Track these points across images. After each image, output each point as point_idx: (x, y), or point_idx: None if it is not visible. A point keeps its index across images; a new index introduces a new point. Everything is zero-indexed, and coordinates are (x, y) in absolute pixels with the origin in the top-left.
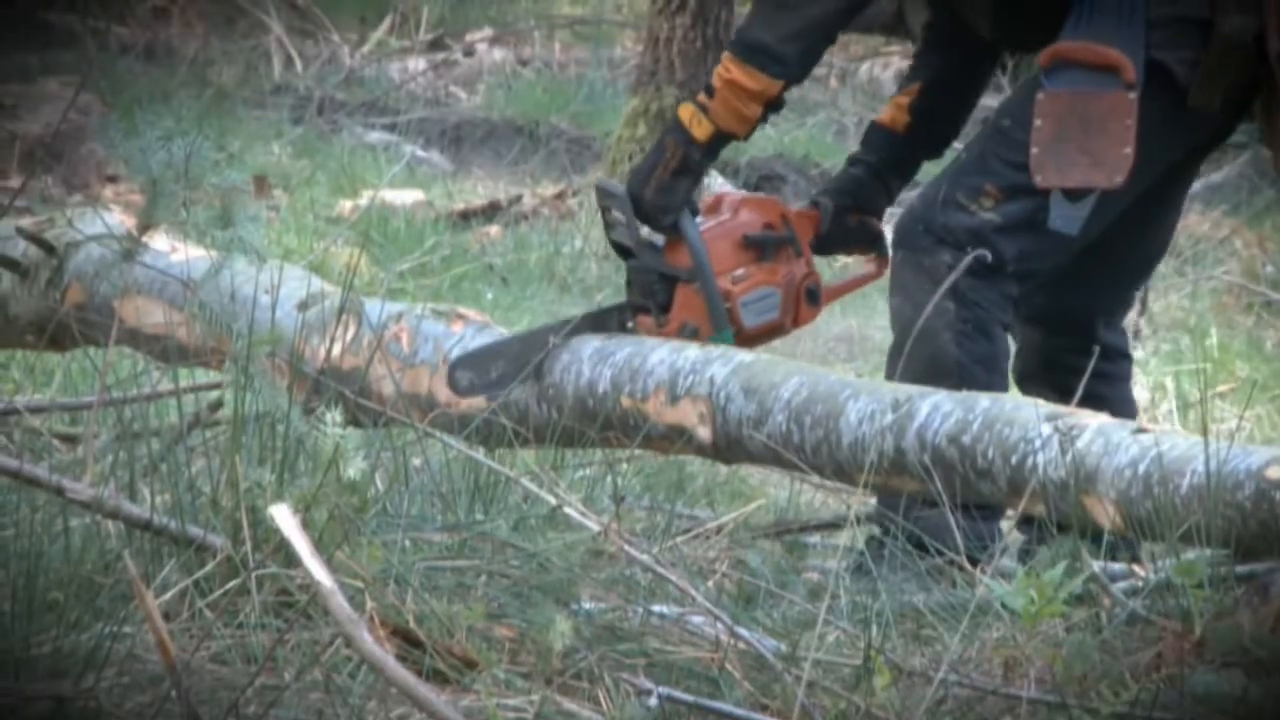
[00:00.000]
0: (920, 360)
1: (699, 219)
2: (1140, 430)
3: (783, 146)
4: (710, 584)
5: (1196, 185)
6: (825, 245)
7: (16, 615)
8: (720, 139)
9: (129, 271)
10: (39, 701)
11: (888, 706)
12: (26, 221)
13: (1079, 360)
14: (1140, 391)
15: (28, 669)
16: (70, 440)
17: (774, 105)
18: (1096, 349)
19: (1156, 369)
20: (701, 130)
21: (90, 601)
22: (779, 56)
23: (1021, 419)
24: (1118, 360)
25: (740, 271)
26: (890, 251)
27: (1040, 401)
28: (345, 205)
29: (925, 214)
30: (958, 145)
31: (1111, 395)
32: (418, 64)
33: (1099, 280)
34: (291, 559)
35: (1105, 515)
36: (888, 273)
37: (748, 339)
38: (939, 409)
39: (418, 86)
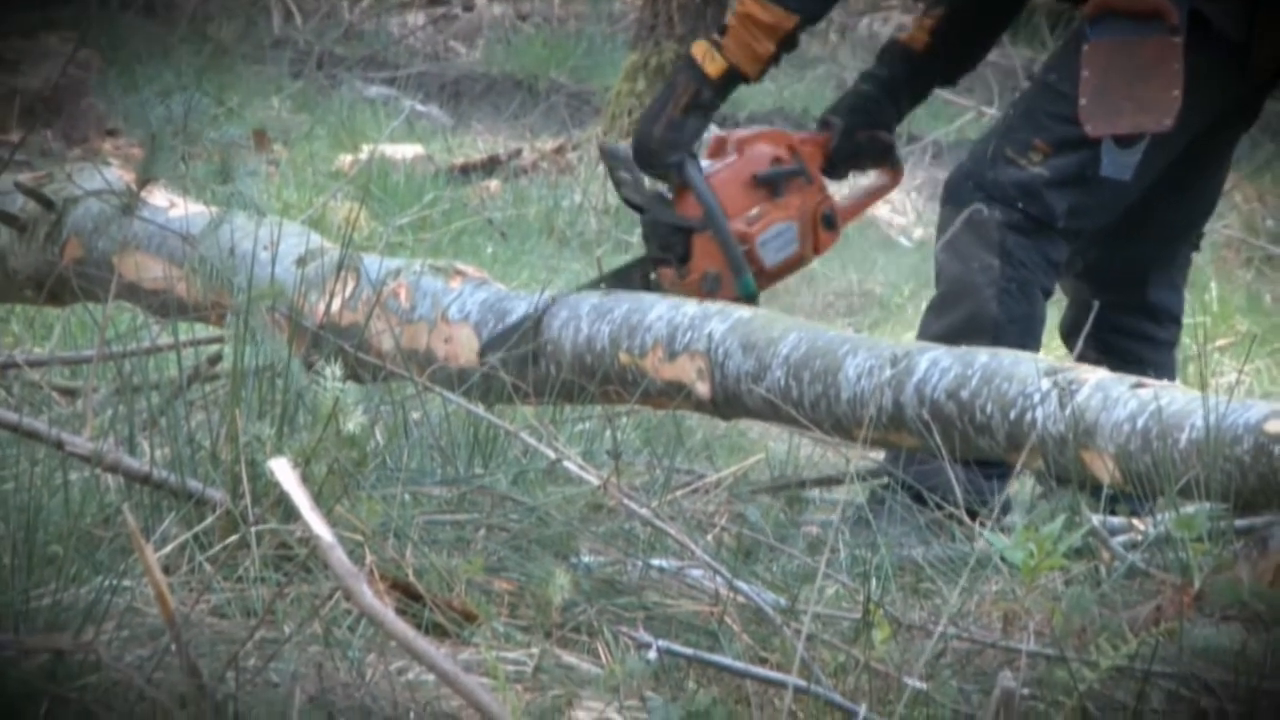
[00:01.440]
0: (958, 314)
1: (705, 163)
2: (1139, 385)
3: (782, 101)
4: (709, 538)
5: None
6: (837, 165)
7: (16, 568)
8: (732, 77)
9: (128, 227)
10: (38, 654)
11: (887, 659)
12: (25, 176)
13: (1125, 319)
14: None
15: (27, 622)
16: (70, 394)
17: (788, 43)
18: (1140, 308)
19: None
20: (714, 67)
21: (90, 555)
22: None
23: (1020, 374)
24: (1165, 324)
25: (754, 211)
26: (940, 206)
27: (1040, 356)
28: (345, 160)
29: (975, 170)
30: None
31: (1153, 359)
32: (417, 18)
33: (1147, 238)
34: (291, 513)
35: (1104, 470)
36: (900, 185)
37: (771, 276)
38: (937, 364)
39: (417, 41)
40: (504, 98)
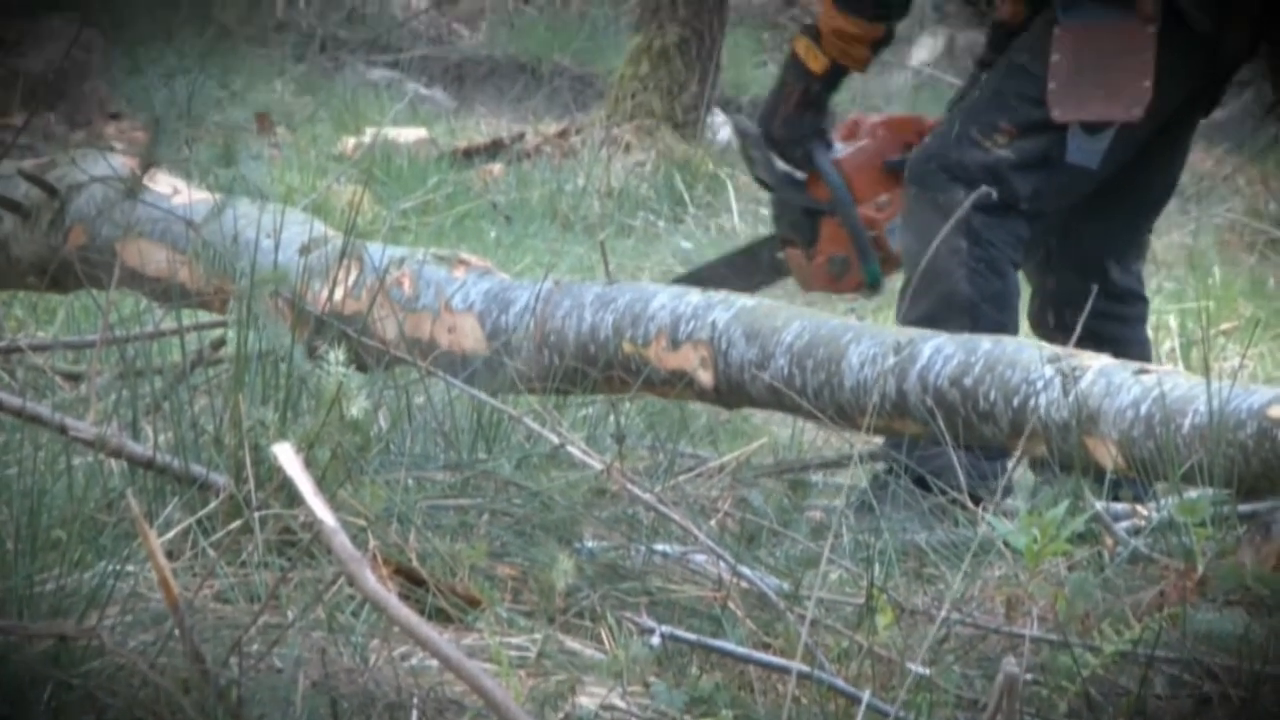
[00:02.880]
0: (932, 297)
1: (837, 146)
2: (1142, 371)
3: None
4: (713, 523)
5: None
6: None
7: (19, 553)
8: (838, 70)
9: (131, 213)
10: (42, 640)
11: (890, 645)
12: (28, 163)
13: (1093, 302)
14: None
15: (31, 607)
16: (73, 378)
17: (882, 43)
18: (1105, 290)
19: (1159, 307)
20: (818, 64)
21: (93, 540)
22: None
23: (1024, 361)
24: (1132, 302)
25: (884, 198)
26: (904, 186)
27: (1043, 343)
28: (348, 143)
29: (939, 151)
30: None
31: (1126, 337)
32: (420, 1)
33: (1109, 222)
34: (294, 498)
35: (1108, 456)
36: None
37: (896, 263)
38: (941, 351)
39: (420, 24)
40: (507, 81)
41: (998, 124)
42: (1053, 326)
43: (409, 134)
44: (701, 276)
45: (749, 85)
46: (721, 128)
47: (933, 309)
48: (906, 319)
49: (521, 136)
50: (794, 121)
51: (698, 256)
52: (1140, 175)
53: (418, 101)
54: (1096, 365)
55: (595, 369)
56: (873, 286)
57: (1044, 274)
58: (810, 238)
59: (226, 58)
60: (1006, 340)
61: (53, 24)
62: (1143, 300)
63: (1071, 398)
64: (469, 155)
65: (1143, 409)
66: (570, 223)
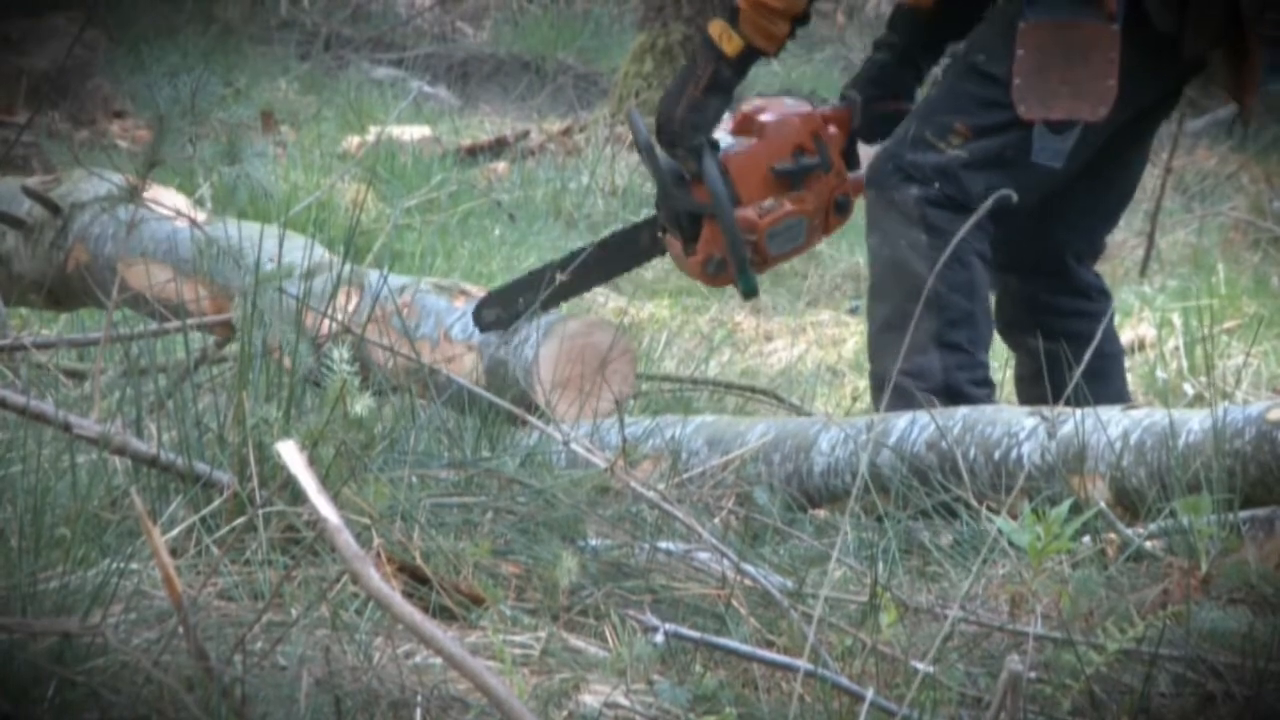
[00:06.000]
0: (899, 293)
1: (727, 139)
2: (1129, 408)
3: (789, 82)
4: (717, 521)
5: (1202, 120)
6: (860, 138)
7: (23, 551)
8: (751, 54)
9: (133, 233)
10: (46, 637)
11: (894, 643)
12: (33, 180)
13: (1058, 300)
14: (1146, 328)
15: (34, 604)
16: (77, 376)
17: (801, 20)
18: (1070, 288)
19: (1163, 305)
20: (732, 46)
21: (97, 538)
22: None
23: (1003, 419)
24: (1097, 298)
25: (768, 203)
26: (865, 188)
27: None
28: (352, 141)
29: (895, 152)
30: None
31: (1093, 333)
32: None
33: (1070, 221)
34: (298, 495)
35: (1098, 491)
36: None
37: (773, 262)
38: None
39: (425, 22)
40: (511, 79)
41: (952, 125)
42: (1018, 326)
43: (413, 132)
44: (581, 261)
45: (753, 83)
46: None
47: (901, 305)
48: (876, 318)
49: (526, 134)
50: (700, 106)
51: None
52: (1102, 174)
53: (422, 99)
54: (1079, 412)
55: None
56: (748, 296)
57: (1006, 274)
58: (691, 235)
59: (230, 56)
60: (984, 407)
61: (56, 22)
62: (1106, 295)
63: (1054, 442)
64: (473, 153)
65: (1133, 439)
66: (574, 221)
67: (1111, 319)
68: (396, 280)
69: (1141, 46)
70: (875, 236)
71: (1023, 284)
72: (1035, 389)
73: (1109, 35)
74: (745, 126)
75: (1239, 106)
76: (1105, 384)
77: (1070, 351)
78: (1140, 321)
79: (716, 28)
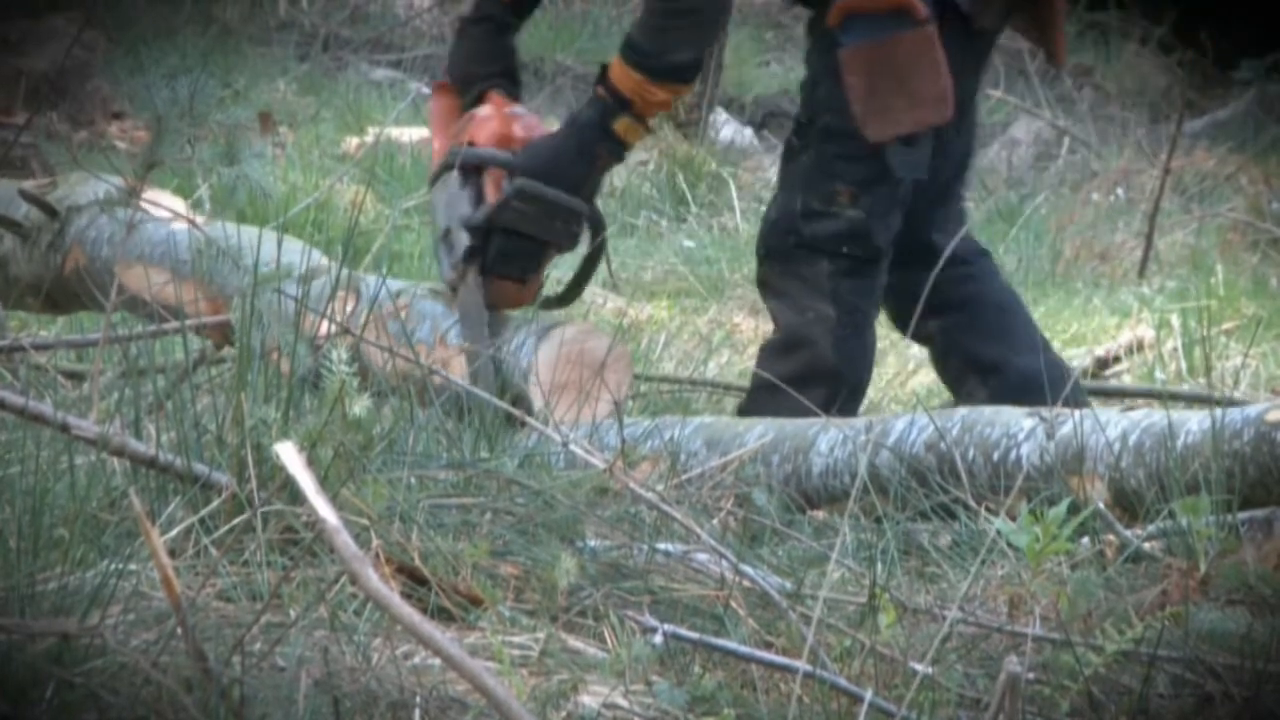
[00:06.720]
0: (799, 362)
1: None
2: (1128, 409)
3: (788, 83)
4: (715, 522)
5: (1201, 122)
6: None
7: (22, 552)
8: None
9: (130, 236)
10: (44, 638)
11: (893, 644)
12: (30, 183)
13: (941, 275)
14: (1145, 329)
15: (33, 606)
16: (76, 377)
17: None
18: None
19: (1162, 306)
20: (635, 137)
21: (95, 539)
22: (693, 65)
23: (1002, 420)
24: (976, 259)
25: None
26: (759, 259)
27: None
28: (351, 142)
29: (791, 227)
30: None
31: (981, 293)
32: (423, 0)
33: (927, 203)
34: (296, 496)
35: (1097, 491)
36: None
37: None
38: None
39: (423, 23)
40: None
41: (834, 189)
42: (908, 318)
43: (412, 133)
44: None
45: (751, 84)
46: (724, 126)
47: (798, 372)
48: (772, 372)
49: None
50: (597, 186)
51: (700, 255)
52: (941, 155)
53: (420, 100)
54: (1077, 414)
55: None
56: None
57: (889, 277)
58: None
59: (229, 57)
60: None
61: (55, 23)
62: (985, 254)
63: (1054, 442)
64: None
65: (1131, 440)
66: None
67: (998, 273)
68: (393, 285)
69: (958, 37)
70: (780, 303)
71: (902, 278)
72: (948, 367)
73: (927, 38)
74: (505, 139)
75: (1047, 50)
76: (1011, 339)
77: (972, 314)
78: (1139, 323)
79: (622, 126)
